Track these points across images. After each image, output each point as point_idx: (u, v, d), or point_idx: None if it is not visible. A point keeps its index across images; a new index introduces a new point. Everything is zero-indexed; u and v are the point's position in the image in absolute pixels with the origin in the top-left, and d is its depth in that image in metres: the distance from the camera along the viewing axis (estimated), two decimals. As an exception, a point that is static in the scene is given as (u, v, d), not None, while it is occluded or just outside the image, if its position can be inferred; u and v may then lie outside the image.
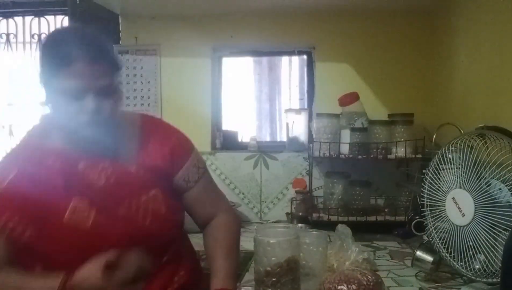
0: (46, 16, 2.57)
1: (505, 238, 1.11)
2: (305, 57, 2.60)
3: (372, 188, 2.28)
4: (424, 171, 1.44)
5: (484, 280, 1.23)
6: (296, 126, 2.47)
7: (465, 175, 1.27)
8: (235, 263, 1.18)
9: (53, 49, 1.08)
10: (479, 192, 1.23)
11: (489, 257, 1.21)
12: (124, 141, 1.16)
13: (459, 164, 1.30)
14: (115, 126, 1.11)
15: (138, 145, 1.16)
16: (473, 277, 1.26)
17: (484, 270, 1.23)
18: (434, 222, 1.37)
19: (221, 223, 1.23)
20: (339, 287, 1.13)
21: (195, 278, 1.22)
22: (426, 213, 1.40)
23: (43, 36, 2.57)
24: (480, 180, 1.24)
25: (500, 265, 1.08)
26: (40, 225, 1.05)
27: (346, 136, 2.13)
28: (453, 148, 1.34)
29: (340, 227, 1.50)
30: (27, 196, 1.05)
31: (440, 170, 1.37)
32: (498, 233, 1.20)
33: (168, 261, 1.16)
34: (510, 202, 1.19)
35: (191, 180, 1.21)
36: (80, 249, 1.05)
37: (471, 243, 1.25)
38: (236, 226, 1.26)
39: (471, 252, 1.26)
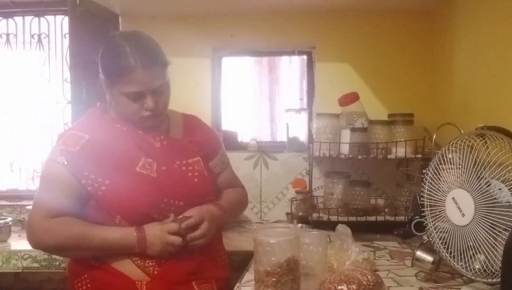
0: (46, 16, 2.57)
1: (505, 238, 1.11)
2: (305, 57, 2.60)
3: (372, 188, 2.28)
4: (424, 171, 1.44)
5: (484, 280, 1.23)
6: (296, 126, 2.47)
7: (465, 175, 1.27)
8: (233, 206, 1.48)
9: (114, 58, 1.28)
10: (479, 192, 1.23)
11: (489, 257, 1.21)
12: (172, 121, 1.45)
13: (459, 164, 1.29)
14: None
15: (183, 126, 1.46)
16: (473, 277, 1.25)
17: (484, 270, 1.23)
18: (434, 222, 1.37)
19: (236, 189, 1.58)
20: (339, 287, 1.13)
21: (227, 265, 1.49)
22: (426, 213, 1.40)
23: (43, 36, 2.58)
24: (480, 180, 1.24)
25: (500, 265, 1.08)
26: (117, 175, 1.27)
27: (346, 136, 2.12)
28: (453, 148, 1.34)
29: (340, 227, 1.50)
30: (102, 155, 1.28)
31: (440, 170, 1.37)
32: (498, 233, 1.20)
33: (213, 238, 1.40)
34: (510, 202, 1.19)
35: (225, 162, 1.55)
36: (148, 194, 1.28)
37: (471, 243, 1.25)
38: (245, 197, 1.62)
39: (471, 252, 1.26)
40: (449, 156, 1.34)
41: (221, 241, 1.51)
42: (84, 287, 1.32)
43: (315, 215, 2.13)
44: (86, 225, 1.27)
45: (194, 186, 1.37)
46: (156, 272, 1.30)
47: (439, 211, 1.35)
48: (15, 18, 2.58)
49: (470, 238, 1.25)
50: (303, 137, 2.47)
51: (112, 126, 1.35)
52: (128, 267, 1.29)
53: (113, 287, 1.29)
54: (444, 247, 1.33)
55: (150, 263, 1.29)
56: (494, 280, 1.20)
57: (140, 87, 1.26)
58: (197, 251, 1.34)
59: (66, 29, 2.46)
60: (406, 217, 1.97)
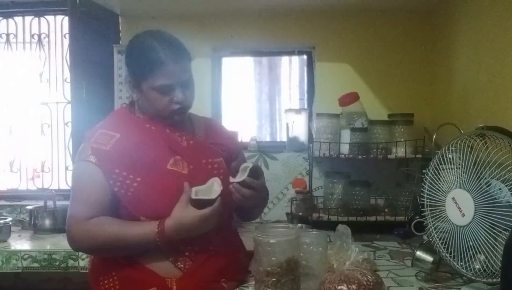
0: (46, 16, 2.57)
1: (505, 238, 1.11)
2: (305, 57, 2.60)
3: (372, 188, 2.28)
4: (424, 171, 1.44)
5: (484, 280, 1.23)
6: (296, 126, 2.47)
7: (465, 175, 1.27)
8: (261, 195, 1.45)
9: (143, 54, 1.32)
10: (479, 192, 1.23)
11: (489, 257, 1.21)
12: (195, 124, 1.48)
13: (459, 164, 1.30)
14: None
15: (204, 129, 1.49)
16: (473, 277, 1.25)
17: (484, 270, 1.23)
18: (434, 222, 1.37)
19: None
20: (339, 287, 1.13)
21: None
22: (426, 213, 1.40)
23: (43, 36, 2.58)
24: (480, 180, 1.24)
25: (500, 265, 1.08)
26: (147, 173, 1.28)
27: (346, 136, 2.13)
28: (453, 148, 1.34)
29: (340, 227, 1.50)
30: (133, 153, 1.29)
31: (440, 170, 1.37)
32: (498, 233, 1.20)
33: (235, 233, 1.49)
34: (510, 202, 1.19)
35: None
36: (181, 190, 1.27)
37: (471, 243, 1.25)
38: (266, 193, 1.59)
39: (471, 252, 1.26)
40: (449, 156, 1.34)
41: (243, 245, 1.50)
42: (111, 285, 1.29)
43: (315, 215, 2.13)
44: (121, 223, 1.27)
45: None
46: (186, 268, 1.28)
47: (439, 211, 1.35)
48: (15, 18, 2.59)
49: (470, 238, 1.25)
50: (303, 137, 2.47)
51: (141, 125, 1.37)
52: (158, 264, 1.28)
53: (142, 285, 1.26)
54: (444, 247, 1.33)
55: (182, 258, 1.28)
56: (494, 280, 1.20)
57: (171, 80, 1.31)
58: (225, 250, 1.35)
59: (66, 29, 2.47)
60: (406, 217, 1.97)
